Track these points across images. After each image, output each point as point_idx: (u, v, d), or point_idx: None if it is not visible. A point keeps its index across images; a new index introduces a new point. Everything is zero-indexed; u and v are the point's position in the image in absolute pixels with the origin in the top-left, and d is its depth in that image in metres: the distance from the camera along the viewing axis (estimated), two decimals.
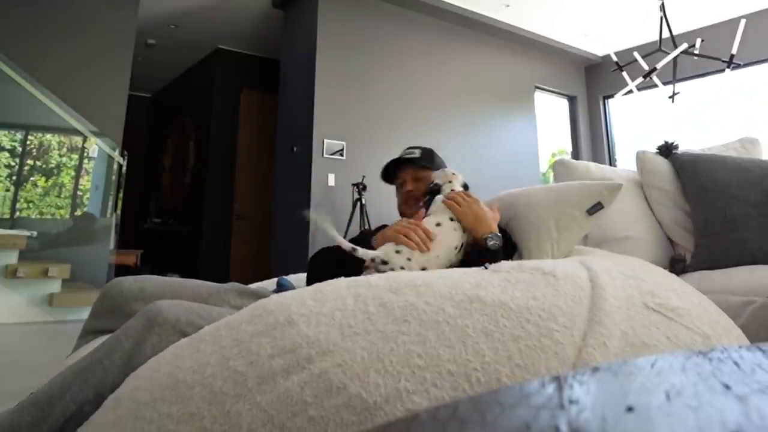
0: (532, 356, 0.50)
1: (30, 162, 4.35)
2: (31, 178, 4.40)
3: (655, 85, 4.13)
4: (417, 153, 1.49)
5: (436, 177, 1.37)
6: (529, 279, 0.63)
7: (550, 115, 6.19)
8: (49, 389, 0.81)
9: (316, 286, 0.64)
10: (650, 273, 0.79)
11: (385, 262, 1.06)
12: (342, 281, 0.64)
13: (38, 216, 4.33)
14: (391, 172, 1.51)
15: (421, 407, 0.45)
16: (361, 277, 0.65)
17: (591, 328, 0.55)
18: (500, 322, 0.54)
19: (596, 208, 1.26)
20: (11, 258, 3.15)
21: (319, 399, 0.47)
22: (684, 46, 3.61)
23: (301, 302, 0.58)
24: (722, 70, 3.99)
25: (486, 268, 0.69)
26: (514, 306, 0.56)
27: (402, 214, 1.47)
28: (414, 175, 1.47)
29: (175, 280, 1.29)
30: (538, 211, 1.30)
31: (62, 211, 4.56)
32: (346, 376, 0.48)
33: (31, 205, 4.31)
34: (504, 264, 0.71)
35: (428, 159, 1.49)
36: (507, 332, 0.52)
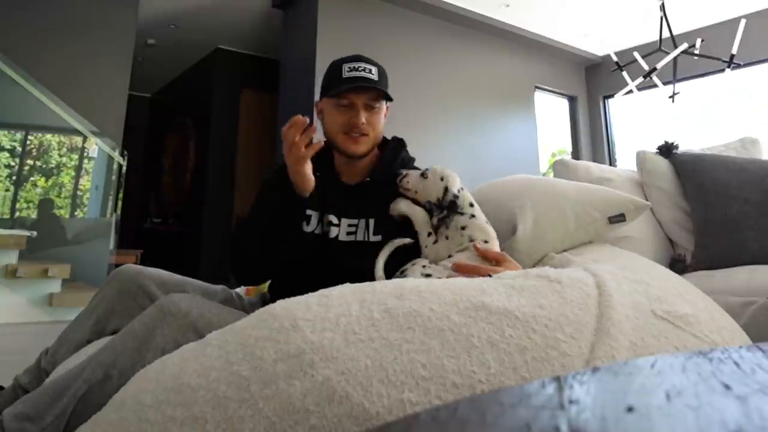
0: (538, 368, 0.49)
1: (30, 162, 4.35)
2: (31, 178, 4.40)
3: (655, 85, 4.13)
4: (374, 74, 1.17)
5: (451, 183, 1.10)
6: (534, 286, 0.62)
7: (550, 115, 6.19)
8: (68, 373, 0.86)
9: (322, 291, 0.63)
10: (655, 276, 0.78)
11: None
12: (347, 287, 0.64)
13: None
14: (335, 85, 1.17)
15: None
16: (366, 283, 0.64)
17: (599, 339, 0.54)
18: (506, 331, 0.52)
19: (618, 218, 1.26)
20: (11, 258, 3.15)
21: (322, 407, 0.47)
22: (684, 46, 3.61)
23: (307, 307, 0.58)
24: (722, 70, 3.99)
25: (490, 276, 0.69)
26: (520, 315, 0.55)
27: (334, 142, 1.19)
28: (368, 102, 1.16)
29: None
30: (562, 199, 1.29)
31: (62, 211, 4.56)
32: (349, 384, 0.47)
33: (31, 205, 4.31)
34: (508, 272, 0.70)
35: (385, 85, 1.19)
36: (513, 342, 0.51)
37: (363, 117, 1.15)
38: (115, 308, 1.18)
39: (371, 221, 1.16)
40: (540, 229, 1.23)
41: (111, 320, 1.18)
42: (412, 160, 1.31)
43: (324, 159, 1.23)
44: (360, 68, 1.16)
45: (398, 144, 1.30)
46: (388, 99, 1.20)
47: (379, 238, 1.12)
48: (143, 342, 0.83)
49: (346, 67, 1.17)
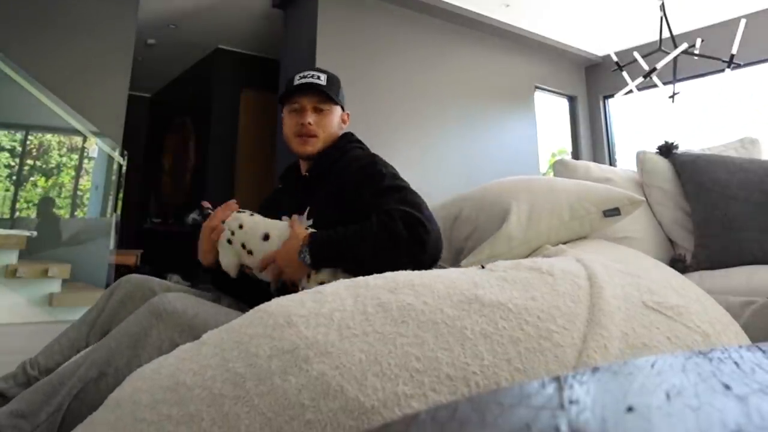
0: (531, 359, 0.50)
1: (30, 162, 4.35)
2: (31, 178, 4.40)
3: (655, 85, 4.13)
4: (323, 78, 1.26)
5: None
6: (526, 278, 0.62)
7: (550, 115, 6.18)
8: (63, 370, 0.86)
9: (317, 288, 0.64)
10: (647, 268, 0.79)
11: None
12: (341, 282, 0.64)
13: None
14: (287, 94, 1.28)
15: None
16: (360, 278, 0.65)
17: (591, 330, 0.54)
18: (499, 323, 0.53)
19: (613, 213, 1.28)
20: (11, 258, 3.15)
21: (317, 402, 0.47)
22: (684, 46, 3.61)
23: (301, 304, 0.58)
24: (722, 70, 3.98)
25: (483, 267, 0.69)
26: (512, 306, 0.55)
27: (290, 146, 1.29)
28: (316, 104, 1.26)
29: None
30: (557, 192, 1.30)
31: (62, 211, 4.56)
32: (344, 378, 0.48)
33: (31, 205, 4.31)
34: (500, 263, 0.70)
35: (335, 89, 1.29)
36: (506, 334, 0.52)
37: (310, 118, 1.24)
38: (119, 314, 1.17)
39: (308, 209, 1.22)
40: (534, 217, 1.24)
41: (114, 324, 1.17)
42: (354, 148, 1.34)
43: (293, 171, 1.37)
44: (308, 75, 1.26)
45: (341, 138, 1.34)
46: (338, 102, 1.29)
47: (310, 222, 1.19)
48: (138, 340, 0.83)
49: (296, 77, 1.27)
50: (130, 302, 1.18)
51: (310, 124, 1.24)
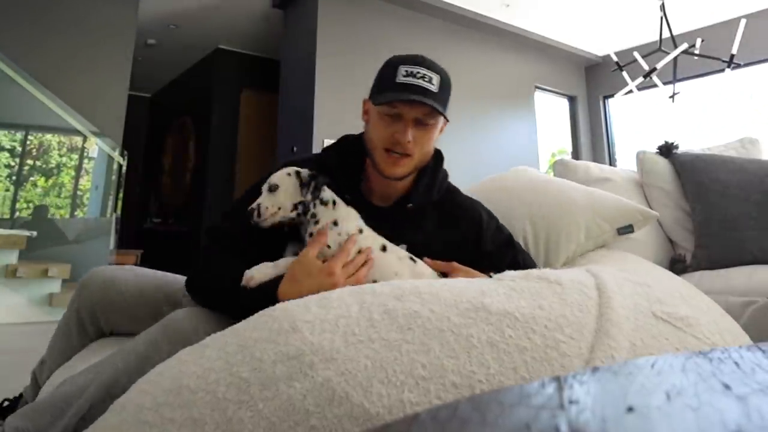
0: (538, 368, 0.50)
1: (30, 162, 4.35)
2: (31, 178, 4.40)
3: (655, 85, 4.13)
4: (435, 82, 0.98)
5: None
6: (534, 288, 0.62)
7: (550, 115, 6.18)
8: (69, 389, 0.84)
9: (322, 293, 0.63)
10: (657, 278, 0.78)
11: None
12: (347, 289, 0.64)
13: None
14: (385, 88, 0.99)
15: None
16: (366, 285, 0.64)
17: (598, 340, 0.54)
18: (505, 332, 0.53)
19: (627, 229, 1.26)
20: (11, 258, 3.15)
21: (322, 408, 0.47)
22: (684, 46, 3.61)
23: (306, 309, 0.58)
24: (722, 70, 3.98)
25: (491, 276, 0.68)
26: (519, 315, 0.55)
27: (372, 154, 1.01)
28: (421, 117, 0.97)
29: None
30: (573, 211, 1.27)
31: (62, 211, 4.56)
32: (349, 385, 0.48)
33: (31, 205, 4.31)
34: (509, 273, 0.70)
35: (446, 96, 1.01)
36: (512, 343, 0.51)
37: (410, 134, 0.97)
38: (96, 313, 1.16)
39: (403, 248, 0.98)
40: (552, 247, 1.24)
41: (108, 322, 1.17)
42: (447, 176, 1.15)
43: (352, 174, 1.06)
44: (418, 74, 0.98)
45: (438, 161, 1.11)
46: (445, 115, 1.02)
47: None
48: (147, 360, 0.81)
49: (402, 69, 0.99)
50: (104, 301, 1.16)
51: (409, 142, 0.97)
